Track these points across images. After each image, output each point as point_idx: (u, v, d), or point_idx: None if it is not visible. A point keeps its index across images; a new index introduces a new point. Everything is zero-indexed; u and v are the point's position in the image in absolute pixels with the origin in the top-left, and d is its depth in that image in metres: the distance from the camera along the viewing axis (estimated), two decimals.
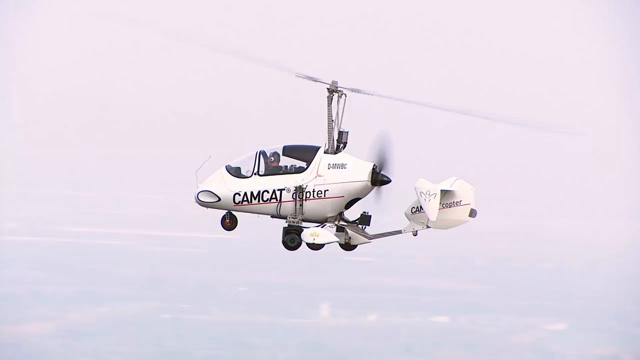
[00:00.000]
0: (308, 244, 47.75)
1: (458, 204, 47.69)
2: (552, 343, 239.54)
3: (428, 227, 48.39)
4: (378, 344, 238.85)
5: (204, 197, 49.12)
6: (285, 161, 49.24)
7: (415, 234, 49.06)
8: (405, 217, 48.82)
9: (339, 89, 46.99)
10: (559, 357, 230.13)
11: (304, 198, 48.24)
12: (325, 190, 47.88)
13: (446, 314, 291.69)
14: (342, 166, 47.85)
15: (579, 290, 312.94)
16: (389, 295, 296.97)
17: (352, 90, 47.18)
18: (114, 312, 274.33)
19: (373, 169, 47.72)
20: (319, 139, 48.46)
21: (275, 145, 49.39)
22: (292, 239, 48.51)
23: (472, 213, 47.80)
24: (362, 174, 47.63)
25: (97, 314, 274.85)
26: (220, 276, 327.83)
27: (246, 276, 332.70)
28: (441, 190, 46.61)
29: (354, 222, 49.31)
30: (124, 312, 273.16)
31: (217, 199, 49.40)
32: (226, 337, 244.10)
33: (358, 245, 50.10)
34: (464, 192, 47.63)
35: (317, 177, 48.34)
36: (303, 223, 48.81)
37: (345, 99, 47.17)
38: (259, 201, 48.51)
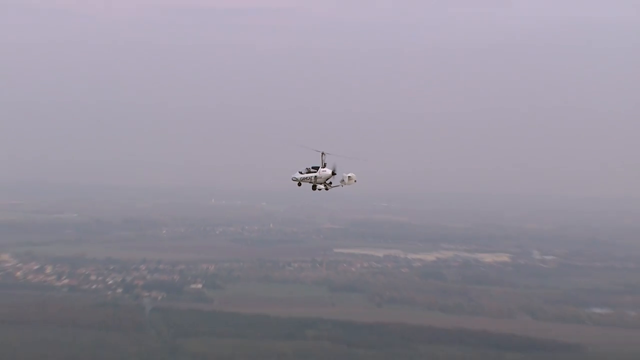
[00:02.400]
0: (318, 189, 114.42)
1: (352, 179, 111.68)
2: None
3: (345, 185, 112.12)
4: None
5: (294, 178, 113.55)
6: (312, 169, 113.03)
7: (342, 187, 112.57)
8: (339, 183, 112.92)
9: (324, 152, 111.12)
10: None
11: (316, 178, 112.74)
12: (321, 176, 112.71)
13: None
14: (325, 170, 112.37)
15: None
16: None
17: (328, 153, 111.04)
18: None
19: (332, 170, 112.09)
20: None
21: (309, 165, 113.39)
22: (313, 187, 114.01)
23: (355, 182, 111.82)
24: (329, 171, 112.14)
25: None
26: None
27: None
28: (348, 176, 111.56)
29: (328, 184, 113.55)
30: None
31: (297, 179, 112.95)
32: None
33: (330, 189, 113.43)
34: (354, 176, 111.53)
35: (319, 173, 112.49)
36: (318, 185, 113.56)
37: (326, 155, 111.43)
38: (306, 180, 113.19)
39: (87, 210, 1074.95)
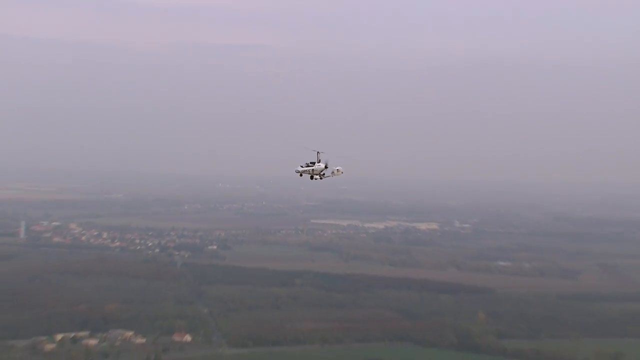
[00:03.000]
0: (315, 179, 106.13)
1: (340, 171, 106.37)
2: None
3: (335, 176, 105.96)
4: None
5: (296, 171, 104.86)
6: (309, 164, 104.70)
7: (332, 177, 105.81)
8: (330, 174, 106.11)
9: (319, 151, 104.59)
10: None
11: (313, 170, 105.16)
12: (317, 169, 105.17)
13: None
14: (320, 164, 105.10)
15: None
16: None
17: (322, 152, 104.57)
18: None
19: (325, 164, 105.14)
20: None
21: (308, 160, 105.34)
22: (311, 177, 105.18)
23: (342, 174, 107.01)
24: (322, 165, 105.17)
25: None
26: None
27: None
28: (337, 169, 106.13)
29: (322, 175, 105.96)
30: None
31: (299, 171, 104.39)
32: None
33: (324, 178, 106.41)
34: (342, 168, 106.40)
35: (315, 167, 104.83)
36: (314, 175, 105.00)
37: (320, 153, 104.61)
38: (305, 172, 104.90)
39: (129, 192, 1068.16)
